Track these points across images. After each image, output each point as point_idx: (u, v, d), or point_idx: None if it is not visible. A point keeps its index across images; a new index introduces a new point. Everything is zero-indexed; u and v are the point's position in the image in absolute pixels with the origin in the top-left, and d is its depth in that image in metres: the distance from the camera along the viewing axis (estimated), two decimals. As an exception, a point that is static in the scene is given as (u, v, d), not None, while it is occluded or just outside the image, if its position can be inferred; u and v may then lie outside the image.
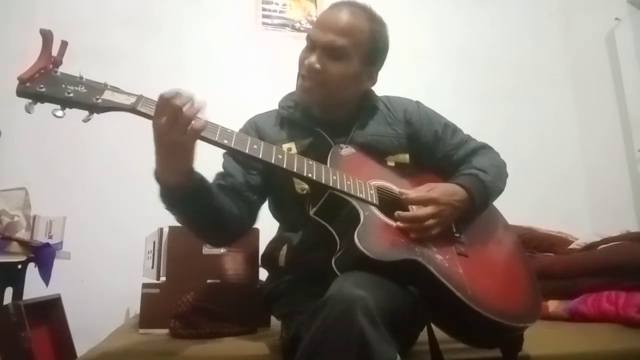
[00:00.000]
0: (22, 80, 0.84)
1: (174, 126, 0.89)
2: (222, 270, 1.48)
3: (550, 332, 1.42)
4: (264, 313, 1.44)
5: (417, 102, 1.37)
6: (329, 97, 1.21)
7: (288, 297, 1.19)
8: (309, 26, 2.75)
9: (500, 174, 1.28)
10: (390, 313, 0.83)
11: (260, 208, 1.26)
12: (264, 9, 2.82)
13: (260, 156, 1.00)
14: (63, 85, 0.87)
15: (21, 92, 0.85)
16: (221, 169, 1.22)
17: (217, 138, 0.96)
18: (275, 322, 1.39)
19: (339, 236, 1.02)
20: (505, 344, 1.09)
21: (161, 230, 1.50)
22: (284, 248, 1.21)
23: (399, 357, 0.81)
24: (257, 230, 1.46)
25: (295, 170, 1.03)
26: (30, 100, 0.85)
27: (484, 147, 1.34)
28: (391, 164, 1.25)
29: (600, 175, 2.83)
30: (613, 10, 2.72)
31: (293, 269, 1.20)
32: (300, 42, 1.25)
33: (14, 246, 1.51)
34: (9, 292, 1.68)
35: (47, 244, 1.67)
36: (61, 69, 0.89)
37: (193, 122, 0.90)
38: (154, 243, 1.53)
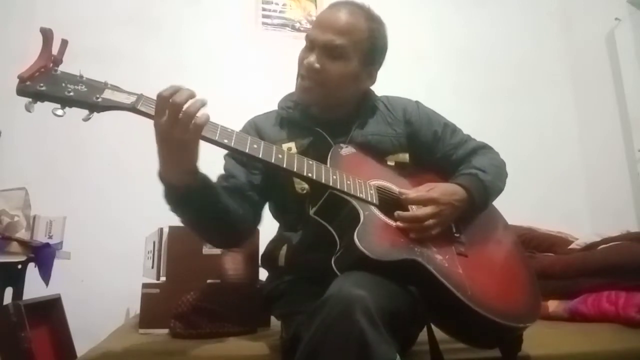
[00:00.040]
0: (22, 79, 0.84)
1: (176, 124, 0.88)
2: (222, 270, 1.47)
3: (550, 332, 1.42)
4: (264, 313, 1.44)
5: (417, 102, 1.37)
6: (328, 96, 1.21)
7: (288, 297, 1.19)
8: (309, 26, 2.75)
9: (499, 173, 1.28)
10: (389, 313, 0.83)
11: (264, 208, 1.27)
12: (264, 9, 2.82)
13: (260, 156, 1.00)
14: (63, 84, 0.87)
15: (21, 91, 0.84)
16: (222, 171, 1.22)
17: (217, 137, 0.95)
18: (275, 322, 1.39)
19: (339, 236, 1.02)
20: (505, 344, 1.09)
21: (161, 230, 1.50)
22: (284, 248, 1.21)
23: (398, 357, 0.81)
24: (257, 230, 1.46)
25: (295, 169, 1.02)
26: (30, 99, 0.85)
27: (484, 147, 1.34)
28: (391, 163, 1.25)
29: (600, 175, 2.83)
30: (613, 10, 2.72)
31: (293, 269, 1.20)
32: (300, 42, 1.25)
33: (14, 246, 1.51)
34: (9, 292, 1.68)
35: (47, 244, 1.67)
36: (61, 69, 0.89)
37: (195, 118, 0.90)
38: (154, 243, 1.53)
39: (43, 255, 1.61)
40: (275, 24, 2.82)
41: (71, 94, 0.87)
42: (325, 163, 1.10)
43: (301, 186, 1.19)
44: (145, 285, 1.42)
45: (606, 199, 2.76)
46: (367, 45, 1.20)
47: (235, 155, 1.19)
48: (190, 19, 2.68)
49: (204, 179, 1.01)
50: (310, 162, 1.05)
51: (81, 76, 0.90)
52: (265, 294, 1.30)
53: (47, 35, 0.87)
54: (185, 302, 1.32)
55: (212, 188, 1.04)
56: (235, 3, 2.78)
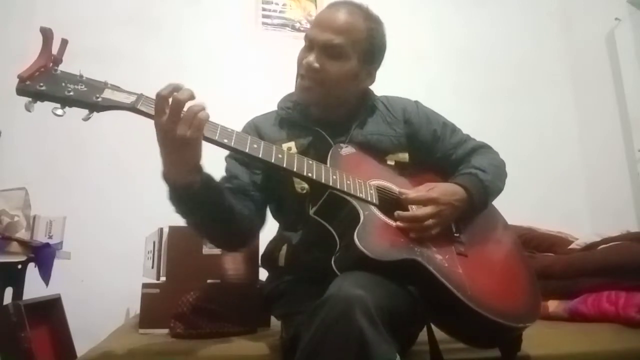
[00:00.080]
0: (22, 79, 0.84)
1: (179, 121, 0.88)
2: (222, 270, 1.47)
3: (550, 332, 1.42)
4: (264, 313, 1.43)
5: (416, 101, 1.37)
6: (328, 95, 1.21)
7: (288, 297, 1.19)
8: (309, 26, 2.75)
9: (499, 173, 1.28)
10: (389, 313, 0.83)
11: (268, 207, 1.27)
12: (264, 9, 2.82)
13: (260, 155, 1.00)
14: (63, 84, 0.87)
15: (21, 91, 0.84)
16: (224, 173, 1.22)
17: (217, 137, 0.95)
18: (275, 322, 1.39)
19: (339, 236, 1.02)
20: (505, 344, 1.09)
21: (161, 230, 1.50)
22: (284, 248, 1.21)
23: (398, 357, 0.81)
24: (257, 230, 1.46)
25: (295, 169, 1.02)
26: (30, 99, 0.85)
27: (483, 147, 1.34)
28: (391, 162, 1.25)
29: (600, 175, 2.83)
30: (613, 10, 2.72)
31: (293, 269, 1.20)
32: (300, 42, 1.25)
33: (14, 246, 1.51)
34: (9, 292, 1.68)
35: (47, 244, 1.67)
36: (61, 68, 0.89)
37: (197, 114, 0.90)
38: (154, 243, 1.53)
39: (43, 255, 1.61)
40: (275, 24, 2.82)
41: (71, 93, 0.87)
42: (325, 163, 1.10)
43: (301, 186, 1.19)
44: (145, 285, 1.41)
45: (606, 199, 2.76)
46: (365, 45, 1.20)
47: (236, 155, 1.19)
48: (190, 19, 2.68)
49: (209, 179, 1.01)
50: (310, 162, 1.05)
51: (81, 76, 0.90)
52: (265, 294, 1.30)
53: (47, 34, 0.87)
54: (185, 302, 1.32)
55: (216, 188, 1.04)
56: (235, 3, 2.78)
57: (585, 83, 3.01)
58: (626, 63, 2.68)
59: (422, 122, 1.31)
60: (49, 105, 0.86)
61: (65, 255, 1.82)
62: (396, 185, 1.16)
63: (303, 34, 1.24)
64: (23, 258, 1.58)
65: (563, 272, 1.69)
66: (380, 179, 1.16)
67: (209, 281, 1.44)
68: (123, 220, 2.26)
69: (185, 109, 0.89)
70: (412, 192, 1.12)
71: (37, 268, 1.62)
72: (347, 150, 1.18)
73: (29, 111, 0.85)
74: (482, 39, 3.00)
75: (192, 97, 0.90)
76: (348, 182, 1.06)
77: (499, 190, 1.27)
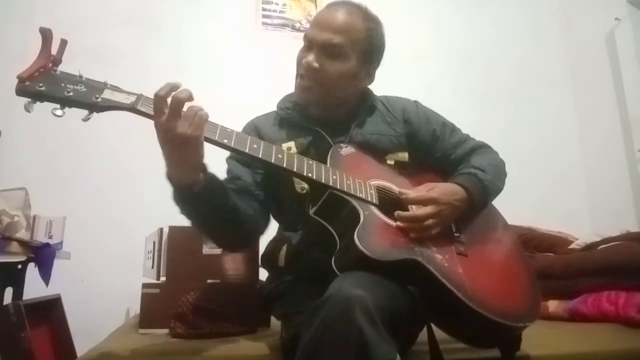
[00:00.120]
0: (21, 79, 0.84)
1: (178, 120, 0.88)
2: (222, 270, 1.47)
3: (550, 332, 1.42)
4: (264, 313, 1.43)
5: (416, 101, 1.38)
6: (327, 95, 1.21)
7: (288, 297, 1.19)
8: (308, 26, 2.75)
9: (499, 173, 1.28)
10: (389, 313, 0.83)
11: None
12: (264, 9, 2.82)
13: (260, 156, 1.00)
14: (63, 84, 0.87)
15: (20, 91, 0.84)
16: (226, 175, 1.21)
17: (217, 137, 0.95)
18: (275, 322, 1.39)
19: (339, 236, 1.02)
20: (504, 344, 1.09)
21: (161, 230, 1.49)
22: (284, 248, 1.21)
23: (398, 356, 0.81)
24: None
25: (295, 169, 1.02)
26: (29, 99, 0.85)
27: (483, 146, 1.34)
28: (391, 162, 1.25)
29: (600, 175, 2.83)
30: (613, 10, 2.72)
31: (293, 269, 1.20)
32: (300, 42, 1.25)
33: (14, 246, 1.51)
34: (9, 292, 1.68)
35: (47, 244, 1.67)
36: (61, 69, 0.89)
37: (197, 111, 0.90)
38: (154, 243, 1.53)
39: (43, 255, 1.61)
40: (275, 24, 2.82)
41: (70, 94, 0.87)
42: (325, 162, 1.10)
43: (301, 186, 1.19)
44: (145, 285, 1.41)
45: (606, 199, 2.76)
46: (364, 44, 1.21)
47: (237, 156, 1.19)
48: (190, 19, 2.68)
49: (212, 178, 1.01)
50: (310, 162, 1.05)
51: (80, 76, 0.89)
52: (265, 294, 1.30)
53: (46, 35, 0.87)
54: (185, 302, 1.32)
55: (220, 187, 1.04)
56: (235, 3, 2.78)
57: (585, 83, 3.01)
58: (626, 63, 2.67)
59: (422, 122, 1.31)
60: (48, 106, 0.86)
61: (65, 255, 1.82)
62: (396, 185, 1.16)
63: (303, 34, 1.24)
64: (23, 258, 1.58)
65: (563, 272, 1.69)
66: (380, 178, 1.16)
67: (209, 281, 1.44)
68: (123, 220, 2.26)
69: (184, 108, 0.89)
70: (412, 192, 1.12)
71: (37, 268, 1.62)
72: (347, 150, 1.18)
73: (29, 112, 0.85)
74: (482, 39, 3.00)
75: (191, 97, 0.90)
76: (348, 182, 1.06)
77: (498, 190, 1.27)
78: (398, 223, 1.05)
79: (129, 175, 2.32)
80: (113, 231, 2.24)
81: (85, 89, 0.88)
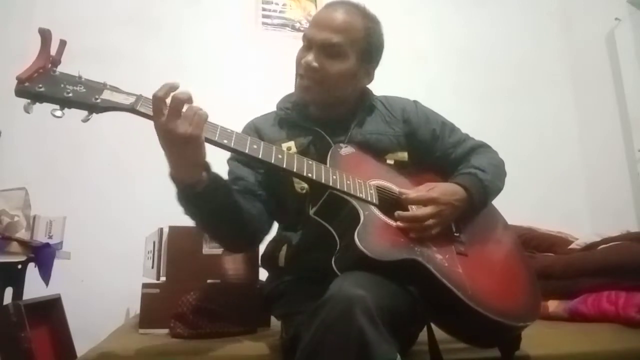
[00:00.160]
0: (20, 80, 0.83)
1: (177, 121, 0.88)
2: (222, 270, 1.47)
3: (550, 332, 1.42)
4: (264, 313, 1.44)
5: (415, 101, 1.38)
6: (327, 94, 1.21)
7: (288, 297, 1.19)
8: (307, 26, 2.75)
9: (499, 173, 1.28)
10: (390, 313, 0.83)
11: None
12: (264, 9, 2.82)
13: (260, 156, 0.99)
14: (62, 85, 0.87)
15: (20, 92, 0.84)
16: (227, 177, 1.21)
17: (216, 138, 0.95)
18: (275, 322, 1.39)
19: (339, 236, 1.02)
20: (504, 343, 1.09)
21: (161, 230, 1.49)
22: (284, 248, 1.21)
23: (399, 356, 0.81)
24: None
25: (295, 170, 1.02)
26: (29, 100, 0.85)
27: (482, 146, 1.34)
28: (390, 162, 1.25)
29: (600, 175, 2.83)
30: (613, 10, 2.72)
31: (293, 269, 1.20)
32: (300, 42, 1.25)
33: (14, 246, 1.51)
34: (9, 292, 1.68)
35: (47, 244, 1.67)
36: (61, 69, 0.89)
37: (197, 110, 0.90)
38: (154, 243, 1.53)
39: (43, 255, 1.61)
40: (275, 24, 2.82)
41: (70, 94, 0.86)
42: (325, 162, 1.10)
43: (301, 186, 1.19)
44: (145, 285, 1.41)
45: (606, 199, 2.76)
46: (364, 44, 1.21)
47: (238, 157, 1.19)
48: (190, 19, 2.68)
49: (216, 177, 1.01)
50: (310, 162, 1.05)
51: (80, 77, 0.89)
52: (265, 294, 1.30)
53: (45, 35, 0.87)
54: (186, 302, 1.32)
55: (224, 187, 1.04)
56: (235, 3, 2.78)
57: (585, 83, 3.01)
58: (626, 63, 2.67)
59: (421, 122, 1.31)
60: (48, 106, 0.86)
61: (65, 255, 1.82)
62: (396, 185, 1.16)
63: (302, 34, 1.24)
64: (23, 258, 1.58)
65: (563, 272, 1.69)
66: (380, 178, 1.16)
67: (209, 281, 1.44)
68: (123, 220, 2.26)
69: (184, 109, 0.89)
70: (412, 192, 1.12)
71: (37, 268, 1.62)
72: (346, 150, 1.18)
73: (28, 113, 0.85)
74: (482, 39, 3.00)
75: (190, 99, 0.90)
76: (348, 182, 1.06)
77: (498, 190, 1.27)
78: (398, 223, 1.05)
79: (129, 175, 2.32)
80: (113, 231, 2.24)
81: (84, 90, 0.88)
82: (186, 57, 2.57)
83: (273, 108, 1.35)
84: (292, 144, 1.23)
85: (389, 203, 1.12)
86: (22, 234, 1.65)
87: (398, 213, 1.06)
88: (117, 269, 2.13)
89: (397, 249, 0.99)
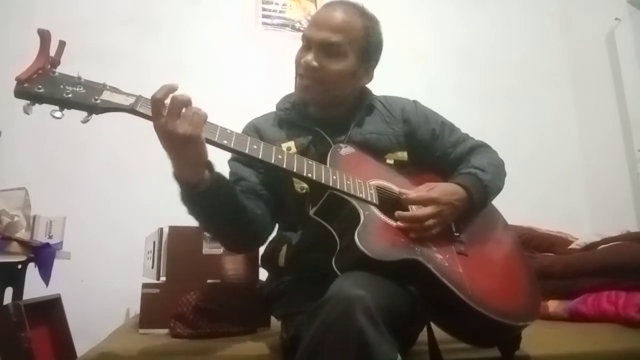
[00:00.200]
0: (20, 81, 0.83)
1: (177, 121, 0.88)
2: (222, 270, 1.48)
3: (550, 332, 1.42)
4: (264, 313, 1.44)
5: (415, 101, 1.38)
6: (327, 94, 1.21)
7: (288, 297, 1.19)
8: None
9: (498, 172, 1.28)
10: (390, 313, 0.83)
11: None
12: (264, 9, 2.82)
13: (260, 156, 1.00)
14: (61, 86, 0.87)
15: (19, 93, 0.84)
16: (229, 178, 1.22)
17: (216, 139, 0.95)
18: (275, 322, 1.39)
19: (339, 236, 1.02)
20: (504, 343, 1.09)
21: (161, 230, 1.50)
22: (284, 248, 1.21)
23: (399, 356, 0.81)
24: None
25: (295, 170, 1.02)
26: (28, 101, 0.85)
27: (482, 146, 1.34)
28: (390, 161, 1.25)
29: (600, 175, 2.83)
30: (613, 10, 2.72)
31: (293, 269, 1.20)
32: (300, 42, 1.25)
33: (14, 246, 1.51)
34: (9, 292, 1.68)
35: (47, 244, 1.67)
36: (61, 69, 0.89)
37: (196, 110, 0.90)
38: (154, 243, 1.53)
39: (43, 255, 1.61)
40: (275, 24, 2.82)
41: (69, 95, 0.86)
42: (325, 162, 1.10)
43: (300, 185, 1.19)
44: (145, 285, 1.41)
45: (606, 199, 2.76)
46: (363, 43, 1.21)
47: (239, 157, 1.19)
48: (190, 19, 2.68)
49: (219, 176, 1.01)
50: (310, 162, 1.05)
51: (79, 78, 0.89)
52: (265, 294, 1.30)
53: (44, 36, 0.86)
54: (186, 302, 1.32)
55: (227, 186, 1.04)
56: (235, 3, 2.78)
57: (585, 83, 3.01)
58: (626, 63, 2.67)
59: (421, 121, 1.31)
60: (47, 107, 0.86)
61: (65, 255, 1.82)
62: (396, 185, 1.16)
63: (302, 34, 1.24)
64: (23, 258, 1.58)
65: (563, 272, 1.69)
66: (380, 178, 1.16)
67: (209, 281, 1.44)
68: (123, 220, 2.26)
69: (182, 110, 0.89)
70: (412, 192, 1.12)
71: (37, 268, 1.62)
72: (346, 150, 1.18)
73: (27, 114, 0.85)
74: (482, 39, 3.00)
75: (190, 102, 0.91)
76: (348, 182, 1.06)
77: (498, 190, 1.27)
78: (398, 223, 1.05)
79: (129, 175, 2.32)
80: (113, 231, 2.24)
81: (84, 91, 0.88)
82: (186, 57, 2.57)
83: (273, 108, 1.35)
84: (292, 144, 1.23)
85: (389, 203, 1.12)
86: (22, 234, 1.65)
87: (398, 213, 1.06)
88: (117, 269, 2.13)
89: (398, 249, 0.99)
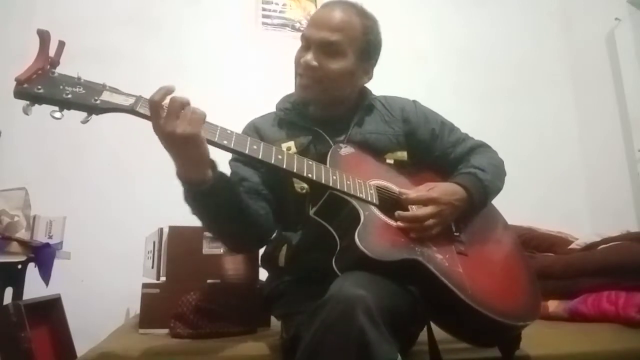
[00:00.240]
0: (19, 82, 0.83)
1: (176, 121, 0.88)
2: (222, 270, 1.47)
3: (550, 332, 1.42)
4: (264, 313, 1.44)
5: (414, 100, 1.38)
6: (327, 93, 1.21)
7: (288, 297, 1.19)
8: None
9: (498, 172, 1.28)
10: (390, 313, 0.83)
11: None
12: (264, 9, 2.82)
13: (260, 156, 1.00)
14: (61, 87, 0.86)
15: (19, 94, 0.84)
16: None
17: (216, 139, 0.95)
18: (275, 322, 1.39)
19: (339, 236, 1.02)
20: (504, 343, 1.09)
21: (161, 230, 1.50)
22: (284, 248, 1.21)
23: (399, 357, 0.81)
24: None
25: (295, 170, 1.02)
26: (28, 102, 0.85)
27: (482, 145, 1.34)
28: (390, 161, 1.25)
29: (600, 175, 2.83)
30: (613, 10, 2.72)
31: (293, 269, 1.20)
32: (300, 42, 1.25)
33: (14, 246, 1.51)
34: (9, 292, 1.68)
35: (47, 244, 1.67)
36: (61, 70, 0.89)
37: (194, 110, 0.90)
38: (154, 243, 1.53)
39: (43, 255, 1.61)
40: (275, 24, 2.82)
41: (69, 96, 0.86)
42: (325, 162, 1.10)
43: (300, 185, 1.19)
44: (145, 285, 1.41)
45: (606, 199, 2.76)
46: (362, 42, 1.21)
47: (240, 158, 1.19)
48: (190, 19, 2.68)
49: (222, 176, 1.01)
50: (310, 162, 1.05)
51: (79, 78, 0.89)
52: (265, 294, 1.30)
53: (43, 37, 0.86)
54: (186, 302, 1.32)
55: (230, 185, 1.04)
56: (235, 3, 2.78)
57: (585, 83, 3.01)
58: (626, 63, 2.67)
59: (421, 121, 1.31)
60: (47, 107, 0.86)
61: (65, 255, 1.82)
62: (396, 185, 1.16)
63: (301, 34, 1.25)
64: (23, 258, 1.58)
65: (563, 272, 1.69)
66: (380, 178, 1.16)
67: (209, 281, 1.44)
68: (123, 220, 2.26)
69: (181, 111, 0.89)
70: (412, 192, 1.12)
71: (37, 268, 1.62)
72: (346, 150, 1.18)
73: (27, 114, 0.85)
74: (482, 39, 3.00)
75: (188, 103, 0.91)
76: (348, 182, 1.06)
77: (498, 190, 1.27)
78: (398, 223, 1.05)
79: (129, 175, 2.32)
80: (113, 231, 2.23)
81: (83, 91, 0.88)
82: (186, 57, 2.57)
83: (273, 108, 1.35)
84: (292, 144, 1.23)
85: (389, 203, 1.12)
86: (22, 234, 1.65)
87: (398, 213, 1.06)
88: (117, 269, 2.13)
89: (398, 249, 0.99)
